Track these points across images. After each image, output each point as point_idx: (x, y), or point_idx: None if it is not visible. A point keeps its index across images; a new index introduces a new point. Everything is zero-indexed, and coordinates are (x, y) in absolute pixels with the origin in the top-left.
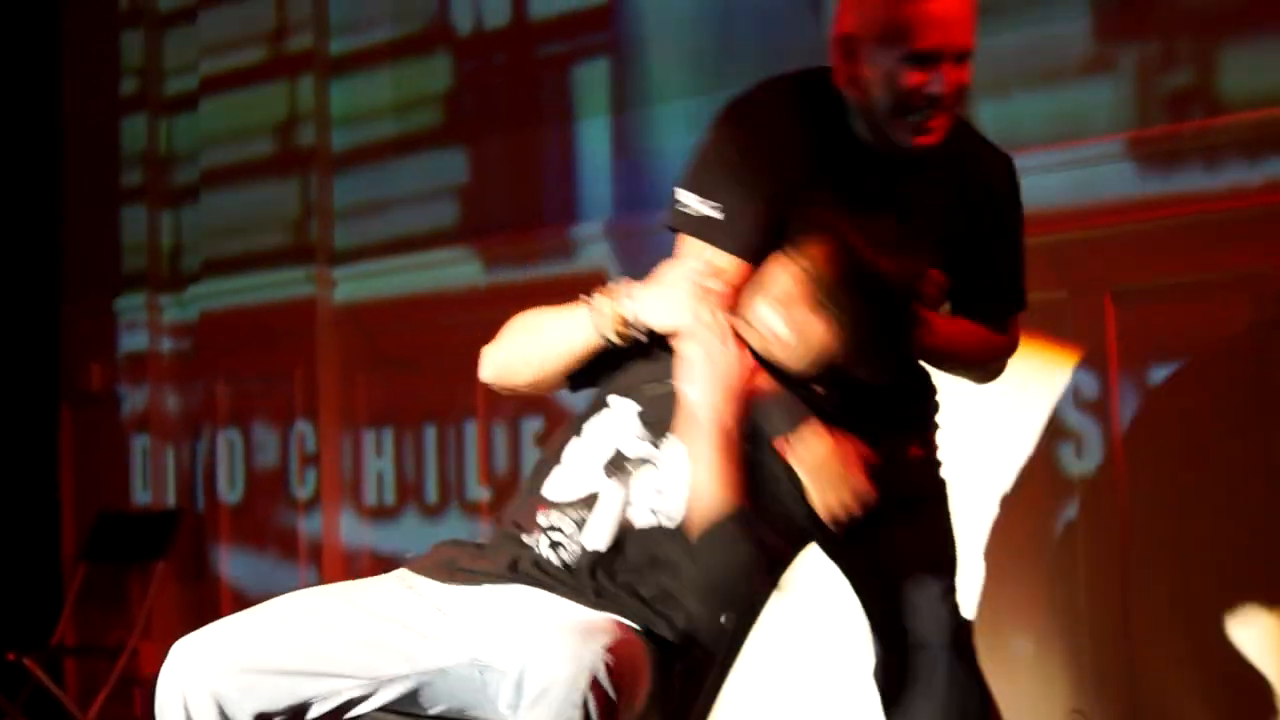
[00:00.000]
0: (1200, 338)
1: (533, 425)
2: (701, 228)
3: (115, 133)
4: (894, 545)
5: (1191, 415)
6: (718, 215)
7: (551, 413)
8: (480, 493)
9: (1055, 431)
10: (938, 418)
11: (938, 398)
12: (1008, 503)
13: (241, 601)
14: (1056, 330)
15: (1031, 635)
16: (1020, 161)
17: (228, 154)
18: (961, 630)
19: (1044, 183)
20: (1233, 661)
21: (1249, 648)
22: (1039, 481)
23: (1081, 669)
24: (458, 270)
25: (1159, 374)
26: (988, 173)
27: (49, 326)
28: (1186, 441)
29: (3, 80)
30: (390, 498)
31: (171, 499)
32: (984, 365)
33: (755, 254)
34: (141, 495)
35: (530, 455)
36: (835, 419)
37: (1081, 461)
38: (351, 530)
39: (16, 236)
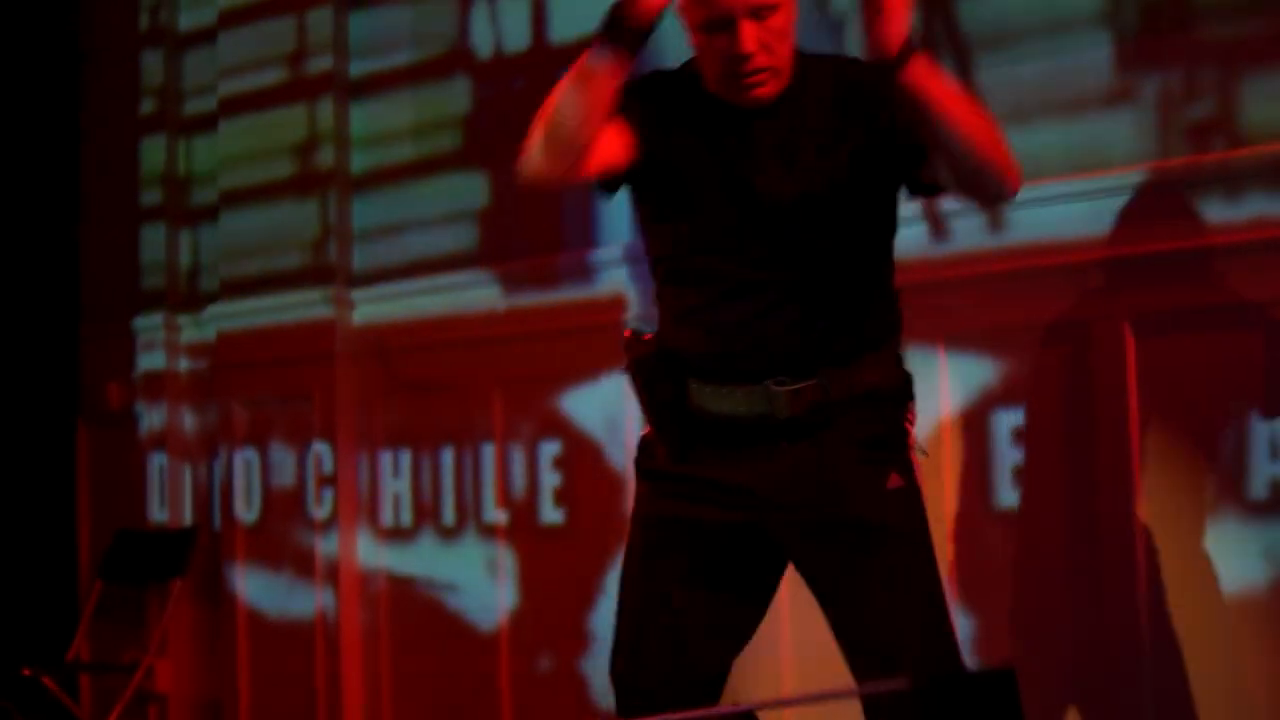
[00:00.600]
0: (1220, 366)
1: (550, 449)
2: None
3: (134, 153)
4: (854, 580)
5: (1211, 443)
6: None
7: (571, 437)
8: (497, 515)
9: (1076, 458)
10: (915, 435)
11: (914, 408)
12: (1028, 528)
13: (257, 621)
14: (1076, 357)
15: (1058, 670)
16: (1041, 191)
17: (247, 175)
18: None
19: (1065, 212)
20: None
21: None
22: (1059, 507)
23: (1105, 696)
24: (476, 293)
25: (1178, 401)
26: (866, 84)
27: (67, 345)
28: (1207, 469)
29: (23, 100)
30: (407, 519)
31: (188, 518)
32: (992, 144)
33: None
34: (158, 514)
35: (548, 478)
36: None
37: (1103, 486)
38: (368, 551)
39: (35, 256)
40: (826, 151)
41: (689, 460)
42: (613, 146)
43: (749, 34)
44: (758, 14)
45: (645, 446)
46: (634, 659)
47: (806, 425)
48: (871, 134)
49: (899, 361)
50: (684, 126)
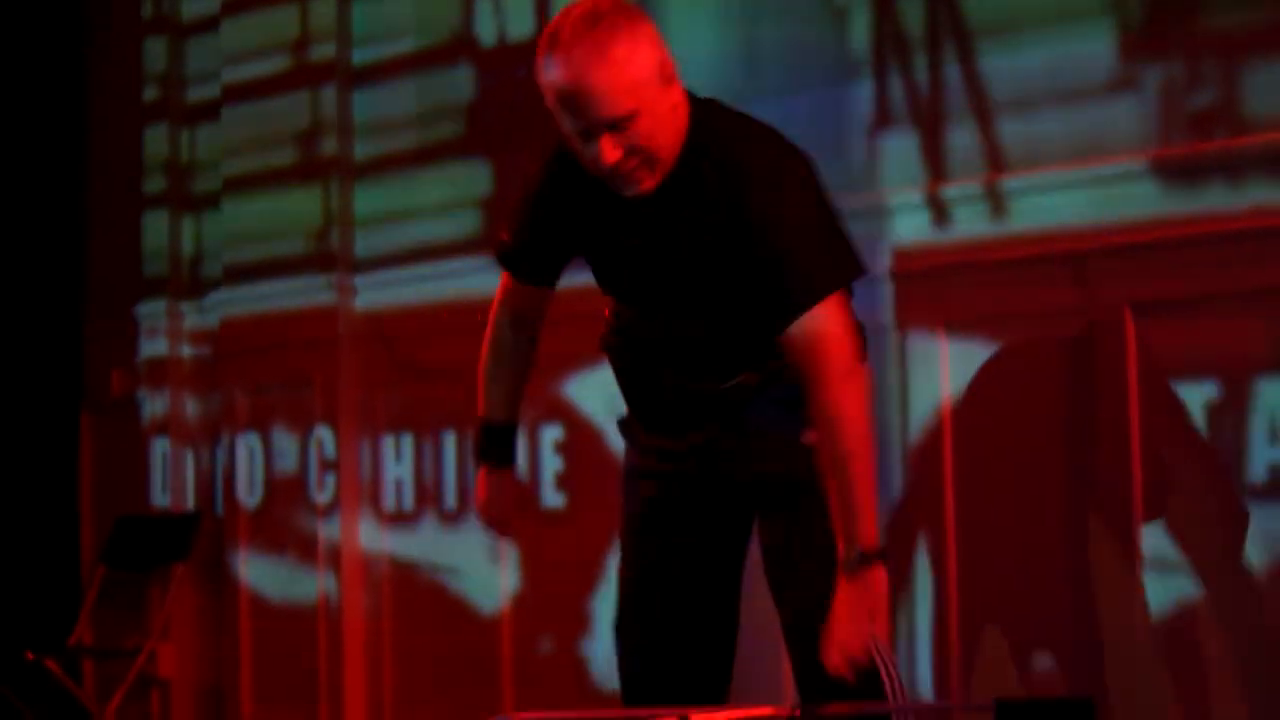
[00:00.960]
0: (1220, 353)
1: (552, 433)
2: (501, 255)
3: (138, 140)
4: (777, 530)
5: (1211, 428)
6: (508, 245)
7: (572, 421)
8: None
9: (1076, 444)
10: None
11: None
12: (1027, 512)
13: (260, 605)
14: (1077, 343)
15: (1055, 649)
16: (1044, 179)
17: (249, 162)
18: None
19: (1067, 200)
20: None
21: None
22: (1059, 492)
23: (1100, 677)
24: (478, 279)
25: (1179, 388)
26: (731, 188)
27: (70, 333)
28: (1207, 453)
29: (28, 88)
30: (409, 503)
31: (191, 504)
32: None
33: (542, 276)
34: (161, 500)
35: (550, 462)
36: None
37: (1102, 474)
38: (370, 535)
39: (39, 244)
40: (708, 250)
41: (654, 429)
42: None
43: (607, 146)
44: (615, 126)
45: (627, 416)
46: (634, 609)
47: (746, 398)
48: (744, 262)
49: None
50: (587, 205)
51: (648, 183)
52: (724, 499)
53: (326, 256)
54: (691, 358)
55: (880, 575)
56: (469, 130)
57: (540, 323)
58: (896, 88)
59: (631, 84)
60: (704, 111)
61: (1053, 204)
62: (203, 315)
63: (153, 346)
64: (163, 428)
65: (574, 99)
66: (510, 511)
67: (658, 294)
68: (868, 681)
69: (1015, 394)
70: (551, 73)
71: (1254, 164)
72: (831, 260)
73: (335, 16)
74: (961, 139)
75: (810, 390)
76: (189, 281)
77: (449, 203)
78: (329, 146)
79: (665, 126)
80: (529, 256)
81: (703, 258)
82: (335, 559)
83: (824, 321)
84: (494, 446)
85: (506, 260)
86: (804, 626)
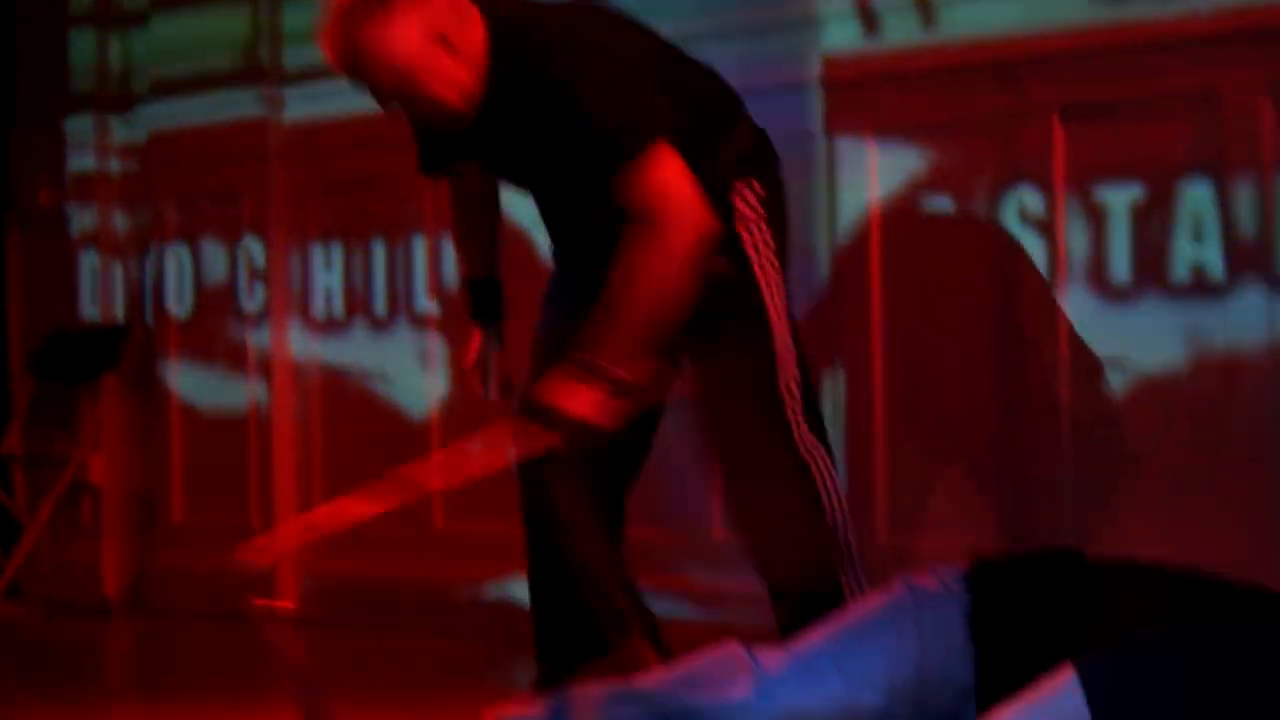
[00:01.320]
0: (1145, 156)
1: None
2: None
3: None
4: (700, 382)
5: (1136, 228)
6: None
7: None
8: (428, 306)
9: (1003, 247)
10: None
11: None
12: (953, 313)
13: (190, 415)
14: (1005, 148)
15: (980, 451)
16: None
17: None
18: None
19: (996, 9)
20: None
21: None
22: (980, 296)
23: (1026, 477)
24: None
25: (1104, 191)
26: (542, 85)
27: None
28: (1131, 253)
29: None
30: (339, 311)
31: (120, 315)
32: (686, 276)
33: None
34: (91, 312)
35: None
36: None
37: (1028, 277)
38: (300, 343)
39: None
40: (546, 144)
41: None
42: None
43: (400, 112)
44: (398, 102)
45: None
46: None
47: None
48: (577, 143)
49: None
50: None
51: (458, 122)
52: None
53: (255, 70)
54: (578, 225)
55: (615, 405)
56: None
57: (490, 182)
58: None
59: (393, 69)
60: (497, 16)
61: (982, 13)
62: (131, 129)
63: (80, 161)
64: (91, 240)
65: (351, 80)
66: (491, 373)
67: (528, 182)
68: (802, 483)
69: (942, 199)
70: (326, 55)
71: None
72: (651, 112)
73: None
74: None
75: (634, 229)
76: (117, 96)
77: None
78: None
79: (450, 78)
80: (428, 161)
81: (545, 152)
82: (265, 367)
83: (659, 169)
84: (477, 303)
85: (420, 166)
86: (733, 467)
